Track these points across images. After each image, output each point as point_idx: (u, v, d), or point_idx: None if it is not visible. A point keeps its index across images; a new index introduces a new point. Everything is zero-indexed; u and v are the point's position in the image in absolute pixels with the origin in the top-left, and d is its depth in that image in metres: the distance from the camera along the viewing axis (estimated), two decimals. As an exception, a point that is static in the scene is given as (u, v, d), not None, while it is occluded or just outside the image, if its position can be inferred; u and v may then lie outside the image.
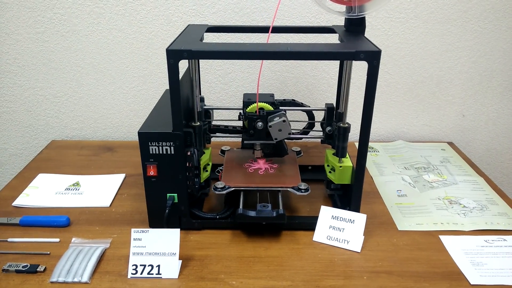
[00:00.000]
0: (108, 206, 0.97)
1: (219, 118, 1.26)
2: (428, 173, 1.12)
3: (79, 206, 0.96)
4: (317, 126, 1.00)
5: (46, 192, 1.01)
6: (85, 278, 0.74)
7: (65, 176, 1.08)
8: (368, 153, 1.23)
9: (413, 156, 1.21)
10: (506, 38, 1.22)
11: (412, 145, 1.29)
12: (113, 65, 1.24)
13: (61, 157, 1.20)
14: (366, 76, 0.76)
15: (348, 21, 0.89)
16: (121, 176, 1.08)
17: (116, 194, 1.01)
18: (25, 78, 1.25)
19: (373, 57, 0.74)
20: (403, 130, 1.34)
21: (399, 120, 1.33)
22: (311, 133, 1.01)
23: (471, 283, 0.76)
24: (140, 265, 0.76)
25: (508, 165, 1.39)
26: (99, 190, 1.02)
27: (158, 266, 0.76)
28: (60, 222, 0.88)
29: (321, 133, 0.98)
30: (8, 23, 1.19)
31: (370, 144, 1.27)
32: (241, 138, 0.99)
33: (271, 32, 0.85)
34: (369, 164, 1.17)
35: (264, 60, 1.04)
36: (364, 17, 0.85)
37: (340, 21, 0.92)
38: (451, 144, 1.31)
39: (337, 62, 1.02)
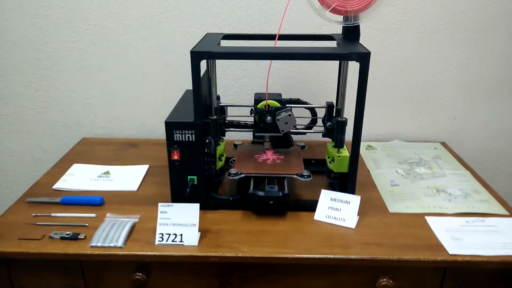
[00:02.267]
0: (136, 190, 1.10)
1: (232, 115, 1.39)
2: (420, 167, 1.24)
3: (110, 190, 1.10)
4: (319, 123, 1.13)
5: (81, 178, 1.15)
6: (120, 243, 0.87)
7: (97, 166, 1.22)
8: (367, 151, 1.35)
9: (407, 153, 1.33)
10: (492, 47, 1.35)
11: (407, 144, 1.41)
12: (138, 70, 1.39)
13: (92, 151, 1.34)
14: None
15: (345, 29, 1.02)
16: (145, 167, 1.22)
17: (142, 181, 1.15)
18: (61, 82, 1.40)
19: (363, 58, 0.87)
20: (399, 131, 1.46)
21: (396, 121, 1.45)
22: (314, 128, 1.14)
23: (450, 253, 0.87)
24: (166, 234, 0.89)
25: (498, 164, 1.50)
26: (127, 177, 1.16)
27: (181, 235, 0.89)
28: (95, 201, 1.02)
29: (322, 128, 1.11)
30: (48, 33, 1.34)
31: (369, 143, 1.40)
32: (251, 133, 1.13)
33: (278, 39, 0.99)
34: (367, 160, 1.29)
35: (272, 65, 1.17)
36: (359, 25, 0.98)
37: (338, 30, 1.06)
38: (443, 144, 1.42)
39: (337, 68, 1.15)
